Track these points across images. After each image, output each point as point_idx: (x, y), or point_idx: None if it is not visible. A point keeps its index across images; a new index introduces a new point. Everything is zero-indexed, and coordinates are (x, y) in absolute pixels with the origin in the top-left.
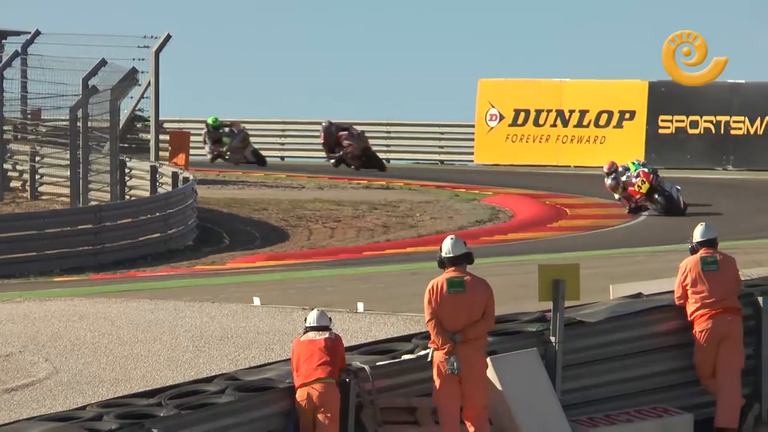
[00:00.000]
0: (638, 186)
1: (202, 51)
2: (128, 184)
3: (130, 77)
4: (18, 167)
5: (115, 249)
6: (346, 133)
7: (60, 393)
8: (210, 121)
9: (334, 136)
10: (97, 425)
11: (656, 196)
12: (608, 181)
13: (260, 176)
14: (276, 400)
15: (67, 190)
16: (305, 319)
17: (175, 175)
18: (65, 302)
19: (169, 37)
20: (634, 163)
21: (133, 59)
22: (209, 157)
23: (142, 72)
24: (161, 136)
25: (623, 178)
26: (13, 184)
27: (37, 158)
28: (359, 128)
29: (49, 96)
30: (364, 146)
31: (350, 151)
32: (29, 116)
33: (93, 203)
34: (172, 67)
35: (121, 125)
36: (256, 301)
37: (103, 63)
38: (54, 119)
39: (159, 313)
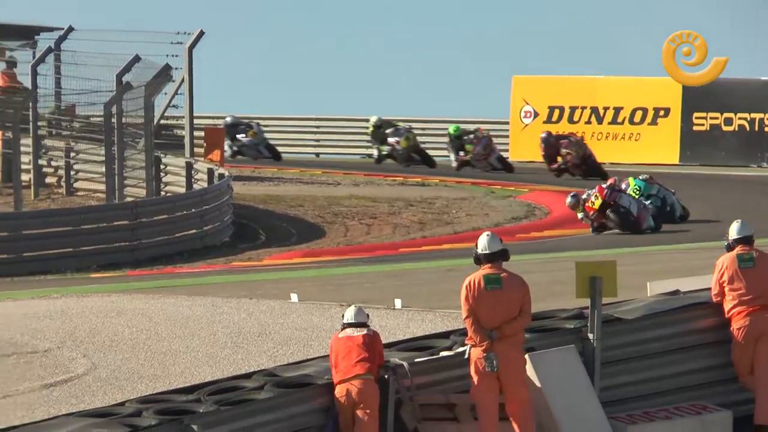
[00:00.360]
0: (591, 202)
1: (235, 47)
2: (164, 180)
3: (164, 73)
4: (53, 163)
5: (151, 245)
6: (566, 141)
7: (99, 389)
8: (451, 130)
9: (554, 146)
10: (136, 421)
11: (608, 213)
12: (568, 200)
13: (296, 173)
14: (315, 397)
15: (102, 186)
16: (343, 316)
17: (210, 172)
18: (102, 298)
19: (202, 33)
20: (634, 179)
21: (167, 55)
22: (454, 165)
23: (176, 68)
24: (196, 132)
25: (583, 196)
26: (49, 180)
27: (72, 154)
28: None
29: (83, 92)
30: (584, 153)
31: (570, 159)
32: (63, 112)
33: (129, 199)
34: (205, 63)
35: (155, 121)
36: (294, 297)
37: (136, 59)
38: (88, 115)
39: (196, 309)
